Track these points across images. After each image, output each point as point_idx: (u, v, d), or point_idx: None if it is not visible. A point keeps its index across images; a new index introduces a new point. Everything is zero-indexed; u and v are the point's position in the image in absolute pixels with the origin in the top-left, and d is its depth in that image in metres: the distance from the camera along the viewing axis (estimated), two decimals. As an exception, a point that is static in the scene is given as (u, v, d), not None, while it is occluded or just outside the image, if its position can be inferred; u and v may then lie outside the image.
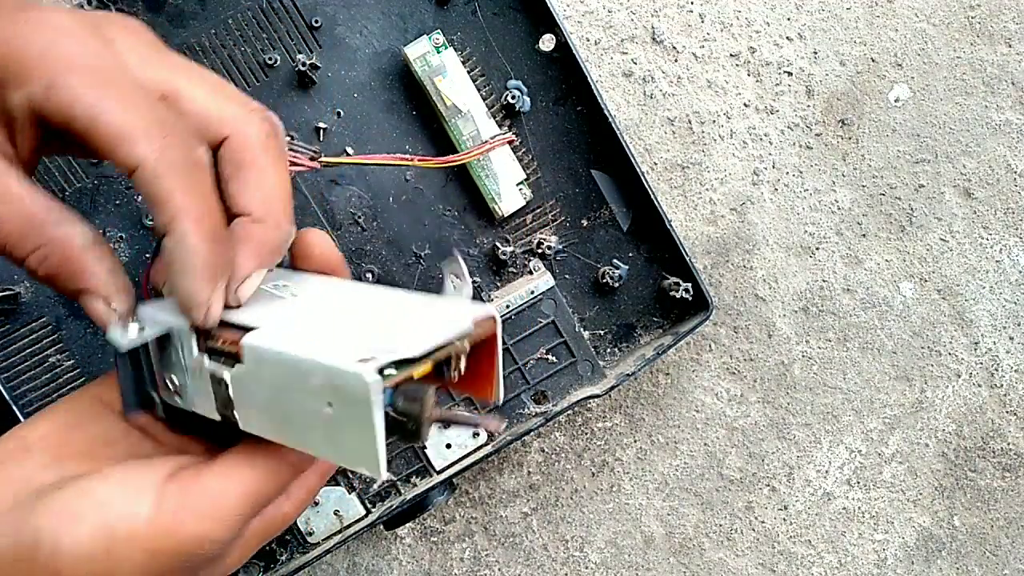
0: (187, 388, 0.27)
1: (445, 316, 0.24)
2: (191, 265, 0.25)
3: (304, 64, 0.44)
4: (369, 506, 0.46)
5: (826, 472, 0.53)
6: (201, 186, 0.26)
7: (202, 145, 0.26)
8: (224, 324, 0.26)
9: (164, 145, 0.24)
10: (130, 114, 0.24)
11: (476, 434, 0.45)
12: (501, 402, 0.26)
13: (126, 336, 0.26)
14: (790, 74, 0.52)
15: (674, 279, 0.47)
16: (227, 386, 0.25)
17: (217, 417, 0.26)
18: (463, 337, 0.24)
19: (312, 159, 0.36)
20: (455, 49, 0.45)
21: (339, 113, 0.46)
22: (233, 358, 0.25)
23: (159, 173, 0.24)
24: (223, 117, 0.27)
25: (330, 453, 0.23)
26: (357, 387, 0.21)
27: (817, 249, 0.53)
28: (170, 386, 0.27)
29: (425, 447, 0.45)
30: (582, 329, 0.47)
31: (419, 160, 0.40)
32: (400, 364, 0.22)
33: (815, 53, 0.52)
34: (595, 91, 0.45)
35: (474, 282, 0.47)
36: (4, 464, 0.26)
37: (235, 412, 0.25)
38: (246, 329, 0.25)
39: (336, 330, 0.24)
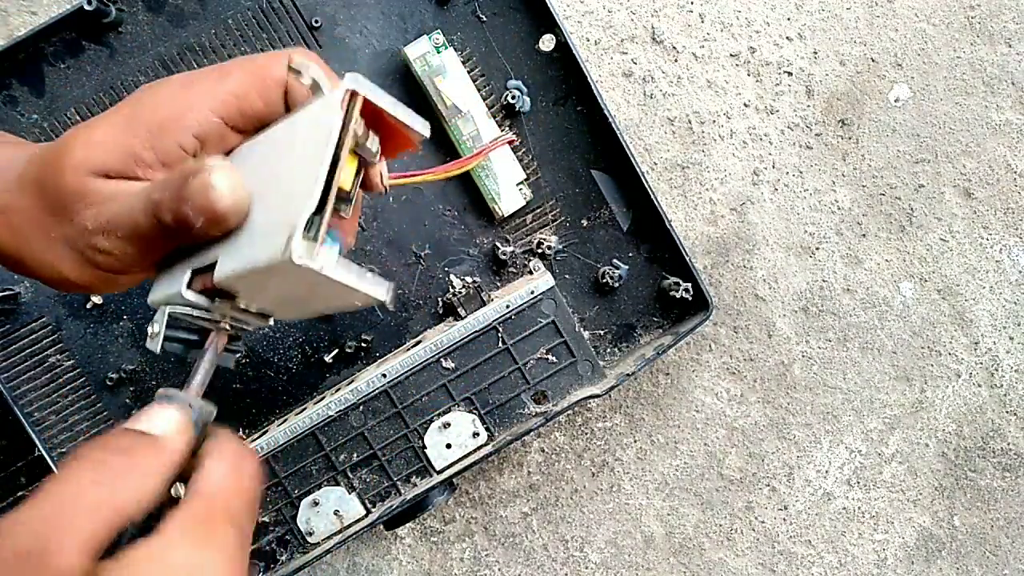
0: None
1: (313, 134, 0.24)
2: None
3: (304, 64, 0.44)
4: (369, 506, 0.46)
5: (826, 472, 0.53)
6: None
7: None
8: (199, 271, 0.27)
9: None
10: None
11: (476, 434, 0.45)
12: (428, 135, 0.26)
13: (155, 343, 0.27)
14: (790, 74, 0.52)
15: (674, 279, 0.47)
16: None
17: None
18: (341, 130, 0.23)
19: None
20: (455, 49, 0.45)
21: (339, 113, 0.46)
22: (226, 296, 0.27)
23: None
24: None
25: (332, 306, 0.26)
26: (295, 265, 0.22)
27: (817, 249, 0.53)
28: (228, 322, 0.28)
29: (425, 447, 0.45)
30: (582, 329, 0.47)
31: (407, 178, 0.41)
32: (313, 217, 0.23)
33: (815, 53, 0.52)
34: (595, 91, 0.45)
35: (474, 282, 0.47)
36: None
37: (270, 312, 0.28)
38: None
39: (254, 225, 0.25)
